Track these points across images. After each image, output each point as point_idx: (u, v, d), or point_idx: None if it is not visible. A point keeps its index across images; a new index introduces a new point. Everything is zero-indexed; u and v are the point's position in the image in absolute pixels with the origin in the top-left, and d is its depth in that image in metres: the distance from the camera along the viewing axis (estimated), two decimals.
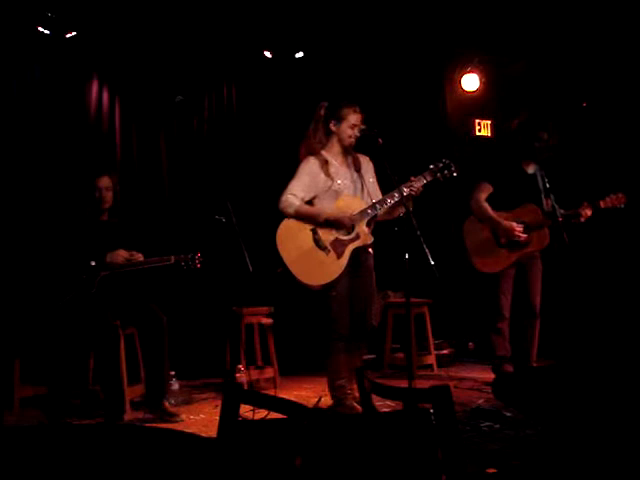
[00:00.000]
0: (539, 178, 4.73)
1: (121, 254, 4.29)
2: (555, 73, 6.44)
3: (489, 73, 6.79)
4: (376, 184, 4.18)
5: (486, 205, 4.71)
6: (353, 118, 4.00)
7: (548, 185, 4.64)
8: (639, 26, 5.73)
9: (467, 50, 6.68)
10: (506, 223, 4.62)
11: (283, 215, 3.96)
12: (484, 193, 4.73)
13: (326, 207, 3.98)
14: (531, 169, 4.79)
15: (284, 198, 3.95)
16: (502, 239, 4.67)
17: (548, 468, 2.16)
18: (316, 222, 3.93)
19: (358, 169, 4.09)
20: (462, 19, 6.13)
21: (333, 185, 3.98)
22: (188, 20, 5.76)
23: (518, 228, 4.60)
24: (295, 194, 3.96)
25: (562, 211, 4.59)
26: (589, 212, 4.60)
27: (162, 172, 6.10)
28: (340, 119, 4.02)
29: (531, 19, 6.00)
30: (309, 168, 4.01)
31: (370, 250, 4.12)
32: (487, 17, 6.08)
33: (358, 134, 4.01)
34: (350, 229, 3.94)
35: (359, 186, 4.07)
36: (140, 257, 4.34)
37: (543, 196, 4.69)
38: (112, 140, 5.88)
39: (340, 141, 4.06)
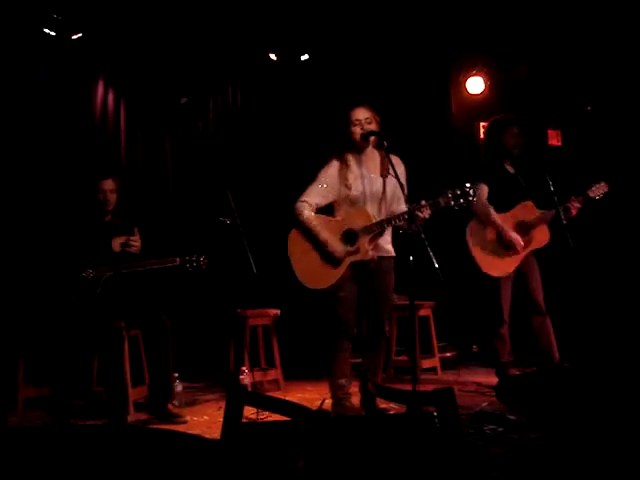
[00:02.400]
0: (521, 179, 4.76)
1: (118, 240, 4.30)
2: (560, 76, 6.44)
3: (494, 76, 6.79)
4: (399, 188, 3.86)
5: (491, 208, 4.71)
6: (354, 114, 3.98)
7: (525, 185, 4.71)
8: None
9: (472, 53, 6.68)
10: (512, 234, 4.63)
11: (292, 217, 4.04)
12: (484, 196, 4.73)
13: (340, 216, 4.01)
14: (511, 169, 4.82)
15: (297, 205, 4.01)
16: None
17: (552, 472, 2.16)
18: (314, 239, 3.97)
19: (384, 174, 3.99)
20: (467, 22, 6.13)
21: (350, 194, 3.96)
22: (193, 22, 5.78)
23: (519, 241, 4.61)
24: (308, 201, 3.99)
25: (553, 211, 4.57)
26: (579, 205, 4.59)
27: (167, 173, 6.12)
28: (347, 122, 4.02)
29: (536, 22, 6.00)
30: (327, 172, 4.03)
31: (386, 254, 4.05)
32: (492, 20, 6.07)
33: (366, 128, 3.94)
34: (339, 260, 3.93)
35: (379, 192, 4.00)
36: (137, 240, 4.33)
37: (527, 196, 4.72)
38: (117, 141, 5.90)
39: (353, 143, 4.01)
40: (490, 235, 4.73)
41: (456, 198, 3.62)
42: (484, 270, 4.72)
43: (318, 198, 4.01)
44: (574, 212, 4.58)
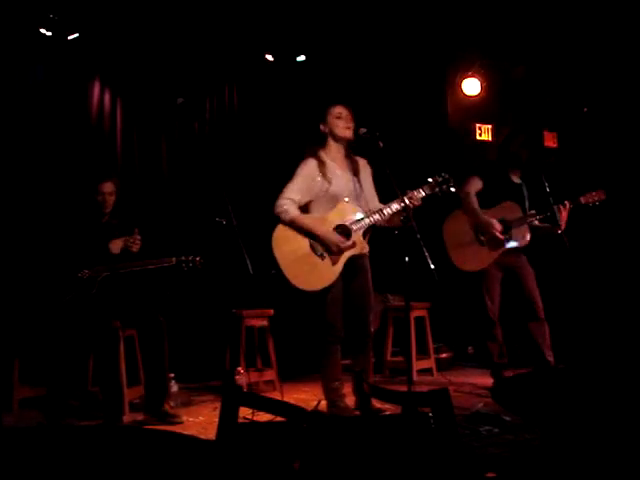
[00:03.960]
0: (524, 189, 4.81)
1: (119, 242, 4.28)
2: (556, 78, 6.46)
3: (490, 78, 6.80)
4: (373, 188, 4.16)
5: (474, 198, 4.77)
6: (335, 110, 3.99)
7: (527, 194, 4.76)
8: (639, 31, 5.74)
9: (468, 54, 6.70)
10: (486, 217, 4.67)
11: (275, 217, 3.95)
12: (473, 187, 4.79)
13: (323, 213, 3.96)
14: (517, 179, 4.86)
15: (280, 203, 3.92)
16: (483, 236, 4.71)
17: (547, 472, 2.16)
18: (309, 236, 3.91)
19: (356, 172, 4.06)
20: (464, 23, 6.14)
21: (330, 189, 3.94)
22: (190, 22, 5.78)
23: (497, 225, 4.64)
24: (292, 198, 3.92)
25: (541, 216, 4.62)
26: (565, 211, 4.61)
27: (163, 174, 6.11)
28: (325, 117, 4.01)
29: (532, 24, 6.01)
30: (306, 170, 3.98)
31: (366, 252, 4.07)
32: (488, 22, 6.09)
33: (349, 125, 3.97)
34: (337, 254, 3.88)
35: (357, 190, 4.02)
36: (137, 239, 4.31)
37: (527, 205, 4.77)
38: (113, 141, 5.89)
39: (334, 138, 4.03)
40: (466, 233, 4.78)
41: (439, 185, 3.86)
42: (458, 266, 4.78)
43: (299, 195, 3.95)
44: (563, 216, 4.59)
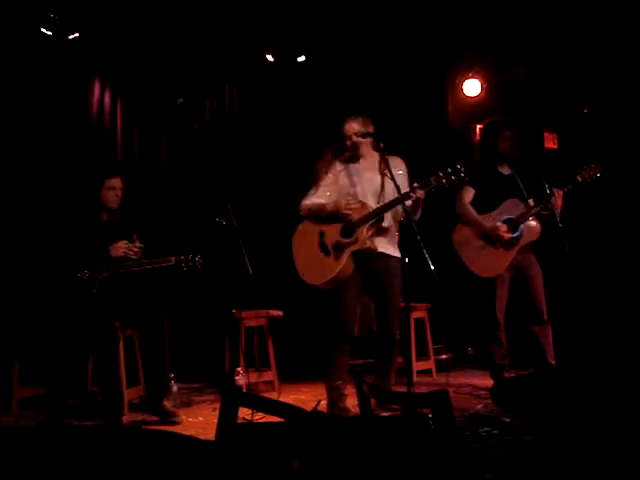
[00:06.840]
0: (517, 179, 4.76)
1: (120, 245, 4.28)
2: (556, 79, 6.45)
3: (491, 79, 6.80)
4: (405, 186, 4.02)
5: (471, 208, 4.74)
6: (344, 129, 4.09)
7: (522, 185, 4.71)
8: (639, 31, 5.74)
9: (469, 55, 6.69)
10: (490, 225, 4.64)
11: (290, 219, 4.12)
12: (468, 196, 4.76)
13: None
14: (506, 170, 4.81)
15: (302, 203, 4.10)
16: (495, 242, 4.68)
17: (547, 474, 2.16)
18: (321, 216, 4.00)
19: (383, 172, 4.03)
20: (464, 24, 6.14)
21: (351, 192, 4.02)
22: (190, 22, 5.77)
23: (502, 227, 4.61)
24: (310, 200, 4.09)
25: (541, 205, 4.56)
26: (561, 192, 4.55)
27: (163, 174, 6.11)
28: (341, 133, 4.13)
29: (533, 25, 6.01)
30: (330, 173, 4.10)
31: (392, 254, 4.04)
32: (489, 23, 6.09)
33: (355, 140, 4.04)
34: (350, 220, 3.92)
35: (377, 188, 4.04)
36: (137, 247, 4.31)
37: (525, 194, 4.71)
38: (113, 141, 5.89)
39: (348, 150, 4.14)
40: (477, 241, 4.73)
41: (447, 176, 3.77)
42: (479, 274, 4.72)
43: (320, 199, 4.05)
44: (559, 202, 4.54)
